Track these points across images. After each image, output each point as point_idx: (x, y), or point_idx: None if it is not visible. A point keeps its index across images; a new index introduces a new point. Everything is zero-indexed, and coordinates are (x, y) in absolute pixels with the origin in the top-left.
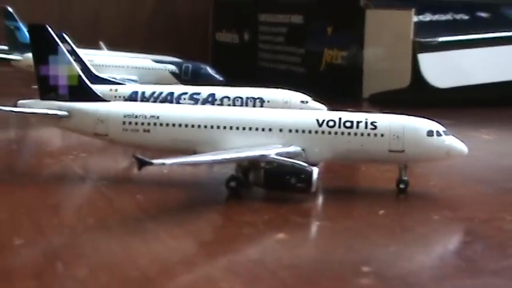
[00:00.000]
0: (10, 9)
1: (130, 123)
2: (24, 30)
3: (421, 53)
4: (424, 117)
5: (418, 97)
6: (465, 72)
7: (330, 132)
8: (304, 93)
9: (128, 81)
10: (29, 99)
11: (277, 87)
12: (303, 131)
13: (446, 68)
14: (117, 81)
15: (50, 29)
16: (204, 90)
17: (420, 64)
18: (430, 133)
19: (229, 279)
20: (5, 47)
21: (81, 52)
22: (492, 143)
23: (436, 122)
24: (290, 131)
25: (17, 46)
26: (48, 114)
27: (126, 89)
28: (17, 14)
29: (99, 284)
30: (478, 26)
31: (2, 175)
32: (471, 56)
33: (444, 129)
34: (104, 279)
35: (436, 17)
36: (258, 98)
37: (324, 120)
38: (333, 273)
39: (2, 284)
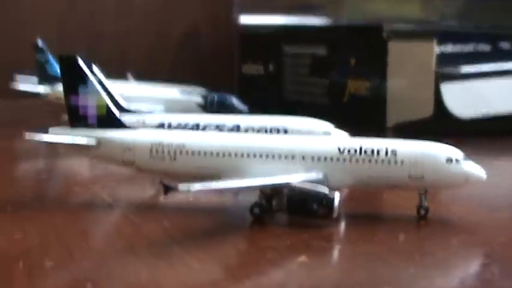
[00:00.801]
0: (41, 43)
1: (157, 151)
2: (54, 63)
3: (444, 83)
4: (441, 143)
5: (441, 126)
6: (487, 102)
7: (351, 159)
8: (328, 123)
9: (154, 112)
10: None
11: (301, 117)
12: (325, 158)
13: (469, 98)
14: (144, 111)
15: (80, 60)
16: (229, 120)
17: (443, 94)
18: (449, 159)
19: None
20: (35, 80)
21: (109, 83)
22: None
23: (455, 148)
24: (312, 158)
25: (46, 79)
26: (77, 143)
27: (153, 119)
28: (47, 47)
29: None
30: (499, 57)
31: (32, 203)
32: (493, 86)
33: (463, 156)
34: None
35: (458, 48)
36: (282, 127)
37: (345, 148)
38: None
39: None
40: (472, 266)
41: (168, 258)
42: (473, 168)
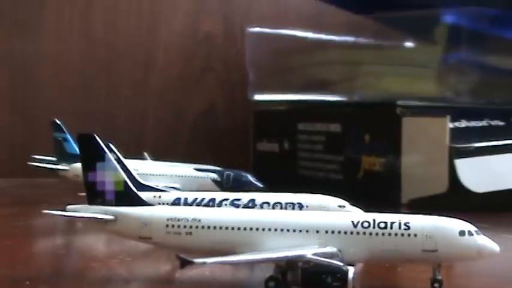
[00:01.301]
0: (58, 122)
1: (173, 226)
2: (72, 141)
3: (458, 158)
4: (455, 218)
5: (456, 202)
6: (501, 177)
7: (364, 233)
8: (342, 199)
9: (171, 189)
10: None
11: (316, 193)
12: (339, 232)
13: (483, 173)
14: (161, 188)
15: (97, 138)
16: (245, 197)
17: (457, 169)
18: (461, 233)
19: None
20: (54, 158)
21: (126, 161)
22: None
23: (469, 222)
24: (326, 232)
25: (64, 157)
26: (95, 218)
27: (170, 196)
28: (64, 126)
29: None
30: None
31: (50, 278)
32: (507, 160)
33: (476, 229)
34: None
35: (471, 124)
36: (296, 203)
37: (358, 222)
38: None
39: None
40: None
41: None
42: (486, 242)
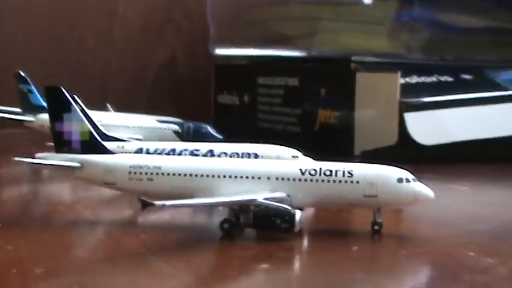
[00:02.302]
0: (23, 74)
1: (135, 172)
2: (37, 93)
3: (407, 112)
4: (402, 168)
5: (405, 153)
6: (448, 130)
7: (311, 180)
8: (297, 150)
9: (133, 140)
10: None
11: (271, 144)
12: (288, 179)
13: (431, 127)
14: (123, 139)
15: (64, 90)
16: (204, 147)
17: (406, 123)
18: (399, 180)
19: None
20: (19, 110)
21: (90, 112)
22: (466, 193)
23: (411, 172)
24: (276, 178)
25: (30, 108)
26: (63, 165)
27: (132, 146)
28: (29, 78)
29: None
30: (461, 88)
31: (21, 220)
32: (454, 115)
33: (413, 177)
34: None
35: (422, 79)
36: (253, 153)
37: (306, 170)
38: None
39: None
40: (413, 272)
41: (145, 266)
42: (422, 188)
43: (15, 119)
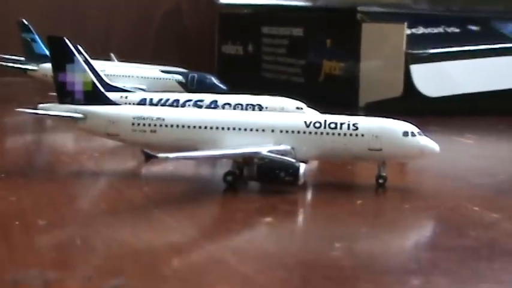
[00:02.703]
0: (26, 22)
1: (138, 124)
2: (40, 42)
3: (413, 64)
4: (408, 121)
5: (410, 105)
6: (454, 82)
7: (316, 133)
8: (301, 101)
9: (137, 90)
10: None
11: (276, 96)
12: (292, 132)
13: (437, 78)
14: (127, 89)
15: (67, 41)
16: (207, 98)
17: (412, 74)
18: (405, 133)
19: (224, 253)
20: (22, 58)
21: (94, 62)
22: (471, 146)
23: (416, 125)
24: (281, 131)
25: (33, 57)
26: (66, 116)
27: (136, 97)
28: (32, 27)
29: (111, 254)
30: (468, 39)
31: (24, 170)
32: (460, 66)
33: (418, 131)
34: (116, 251)
35: (428, 30)
36: (256, 105)
37: (311, 122)
38: (310, 246)
39: (30, 255)
40: (418, 226)
41: (148, 218)
42: (428, 142)
43: (18, 68)
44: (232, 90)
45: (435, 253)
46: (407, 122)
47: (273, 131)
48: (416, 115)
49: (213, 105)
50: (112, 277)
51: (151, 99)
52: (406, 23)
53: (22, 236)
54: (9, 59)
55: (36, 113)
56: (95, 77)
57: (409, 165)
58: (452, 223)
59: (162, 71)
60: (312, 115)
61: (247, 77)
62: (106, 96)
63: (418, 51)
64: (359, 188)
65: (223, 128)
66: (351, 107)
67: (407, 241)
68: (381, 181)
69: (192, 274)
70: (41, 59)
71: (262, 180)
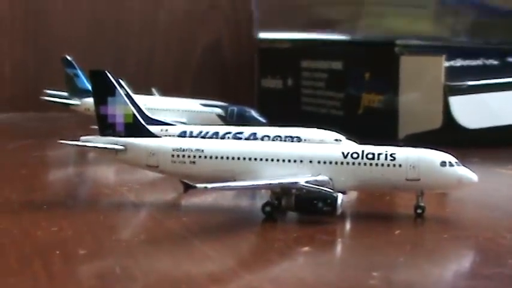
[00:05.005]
0: (69, 58)
1: (178, 155)
2: (83, 77)
3: (452, 96)
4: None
5: (449, 137)
6: (494, 114)
7: (353, 163)
8: (340, 134)
9: (177, 123)
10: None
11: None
12: (330, 162)
13: (476, 110)
14: (167, 122)
15: (108, 74)
16: (247, 130)
17: (451, 106)
18: (443, 163)
19: (262, 283)
20: (65, 93)
21: (135, 97)
22: None
23: (454, 156)
24: (319, 162)
25: (75, 92)
26: (107, 148)
27: (176, 129)
28: (75, 62)
29: (150, 284)
30: (507, 71)
31: (65, 202)
32: (500, 98)
33: (456, 161)
34: (155, 280)
35: (467, 62)
36: (295, 137)
37: (348, 153)
38: (347, 276)
39: (70, 284)
40: (456, 255)
41: (187, 248)
42: (466, 172)
43: (61, 103)
44: (272, 123)
45: (474, 282)
46: (445, 152)
47: (310, 161)
48: (456, 147)
49: (252, 137)
50: None
51: (191, 132)
52: (444, 56)
53: (62, 265)
54: (53, 94)
55: (78, 145)
56: (136, 110)
57: (448, 195)
58: (491, 253)
59: (202, 105)
60: (350, 146)
61: (286, 110)
62: (146, 129)
63: (457, 83)
64: (397, 218)
65: (261, 159)
66: (390, 139)
67: (445, 270)
68: (419, 211)
69: None
70: (83, 93)
71: (300, 211)
